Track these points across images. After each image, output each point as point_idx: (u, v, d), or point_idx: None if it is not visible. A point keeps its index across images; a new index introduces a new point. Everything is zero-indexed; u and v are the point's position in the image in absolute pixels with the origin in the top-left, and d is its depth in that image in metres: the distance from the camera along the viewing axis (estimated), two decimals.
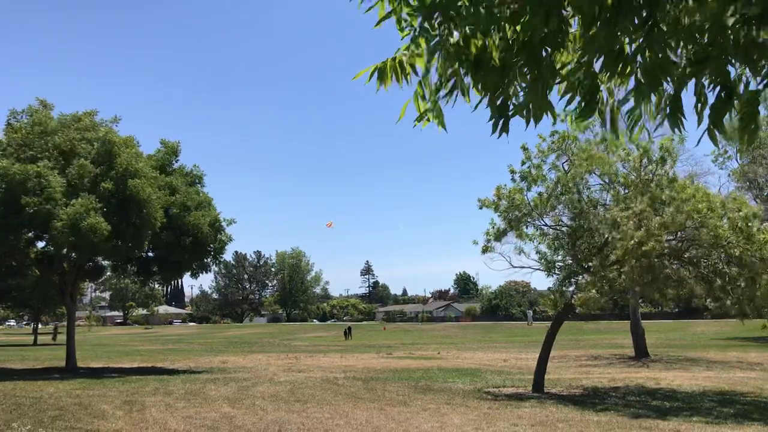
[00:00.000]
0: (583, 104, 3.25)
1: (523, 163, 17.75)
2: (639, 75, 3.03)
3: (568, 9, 3.03)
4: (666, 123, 3.08)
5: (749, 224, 13.07)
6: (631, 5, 2.82)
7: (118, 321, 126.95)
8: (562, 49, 3.18)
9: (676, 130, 3.08)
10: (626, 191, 16.55)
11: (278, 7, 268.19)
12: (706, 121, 2.95)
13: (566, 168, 17.28)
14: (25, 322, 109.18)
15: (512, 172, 17.89)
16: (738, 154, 39.96)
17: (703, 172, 31.29)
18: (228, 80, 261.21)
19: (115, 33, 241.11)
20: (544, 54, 3.15)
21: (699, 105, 2.95)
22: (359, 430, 10.86)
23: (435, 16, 3.17)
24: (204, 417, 12.12)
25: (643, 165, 16.36)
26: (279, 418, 11.96)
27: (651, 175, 16.10)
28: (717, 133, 2.95)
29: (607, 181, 17.61)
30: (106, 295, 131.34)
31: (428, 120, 3.53)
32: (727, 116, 2.92)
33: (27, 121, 22.34)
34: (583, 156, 16.46)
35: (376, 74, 3.47)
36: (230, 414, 12.52)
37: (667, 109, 3.05)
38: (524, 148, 17.78)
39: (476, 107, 3.42)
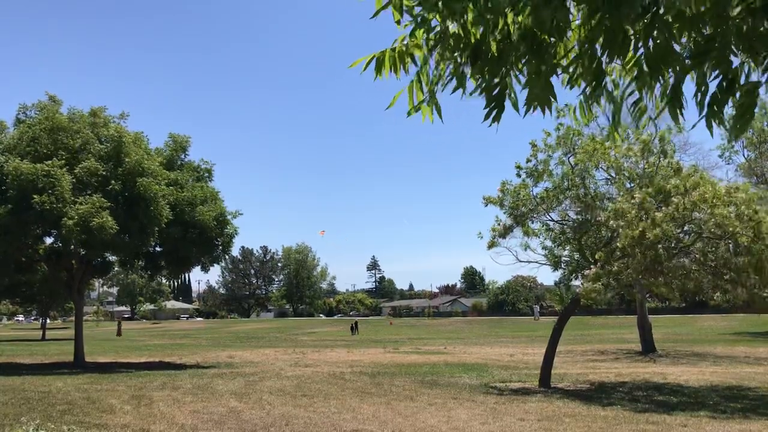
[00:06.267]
0: (588, 90, 3.23)
1: (529, 160, 17.68)
2: (642, 64, 3.02)
3: None
4: (667, 113, 3.09)
5: (754, 208, 12.91)
6: None
7: (126, 316, 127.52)
8: (565, 39, 3.16)
9: (676, 119, 3.08)
10: (631, 184, 16.49)
11: (278, 8, 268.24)
12: (705, 111, 2.96)
13: (572, 162, 17.22)
14: (33, 317, 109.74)
15: (518, 168, 17.82)
16: (743, 147, 39.74)
17: (710, 166, 31.12)
18: (230, 78, 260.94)
19: (118, 33, 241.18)
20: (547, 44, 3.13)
21: (699, 95, 2.95)
22: (366, 424, 10.89)
23: (437, 5, 3.14)
24: (211, 411, 12.19)
25: (645, 157, 16.27)
26: (286, 413, 12.02)
27: (654, 167, 16.01)
28: (714, 123, 2.97)
29: (613, 174, 17.56)
30: (114, 290, 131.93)
31: (417, 110, 3.50)
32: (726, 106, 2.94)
33: (38, 116, 22.44)
34: (589, 149, 16.39)
35: (373, 63, 3.45)
36: (237, 408, 12.58)
37: (667, 98, 3.05)
38: (533, 145, 17.70)
39: (471, 94, 3.39)
